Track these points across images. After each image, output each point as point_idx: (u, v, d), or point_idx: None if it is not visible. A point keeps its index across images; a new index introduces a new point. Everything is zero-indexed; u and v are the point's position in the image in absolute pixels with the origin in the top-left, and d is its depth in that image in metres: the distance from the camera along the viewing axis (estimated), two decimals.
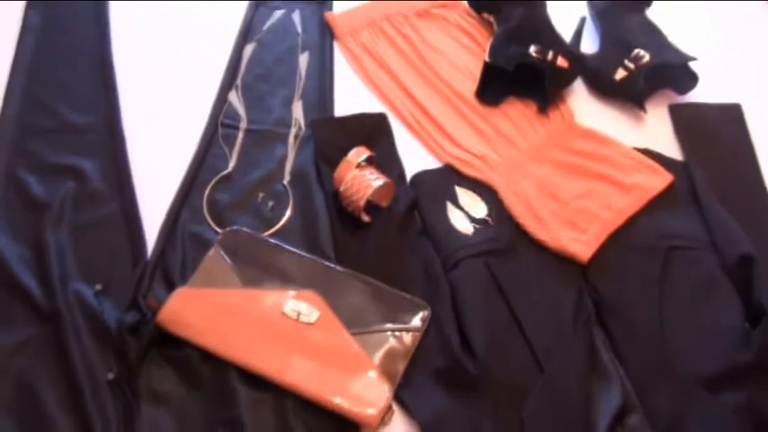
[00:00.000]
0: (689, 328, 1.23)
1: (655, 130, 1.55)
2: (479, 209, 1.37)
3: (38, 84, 1.57)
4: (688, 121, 1.56)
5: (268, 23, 1.74)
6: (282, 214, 1.38)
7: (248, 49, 1.67)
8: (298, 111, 1.55)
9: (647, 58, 1.55)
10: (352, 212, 1.33)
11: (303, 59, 1.66)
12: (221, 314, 1.21)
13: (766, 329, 1.18)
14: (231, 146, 1.48)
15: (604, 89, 1.61)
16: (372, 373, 1.14)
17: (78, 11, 1.74)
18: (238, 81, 1.61)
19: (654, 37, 1.63)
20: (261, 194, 1.41)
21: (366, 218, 1.34)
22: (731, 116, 1.58)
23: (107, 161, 1.44)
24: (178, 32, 1.72)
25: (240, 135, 1.50)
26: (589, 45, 1.71)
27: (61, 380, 1.14)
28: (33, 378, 1.14)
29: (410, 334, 1.20)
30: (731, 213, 1.36)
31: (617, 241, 1.33)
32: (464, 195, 1.40)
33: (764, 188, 1.45)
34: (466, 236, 1.32)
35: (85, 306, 1.21)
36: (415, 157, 1.48)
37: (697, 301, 1.26)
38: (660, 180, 1.41)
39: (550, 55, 1.54)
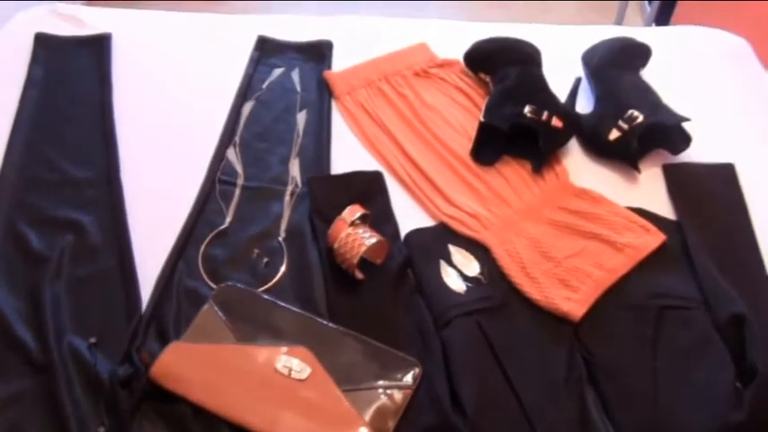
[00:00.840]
0: (681, 387, 1.22)
1: (649, 189, 1.57)
2: (472, 267, 1.38)
3: (39, 137, 1.60)
4: (681, 181, 1.57)
5: (267, 81, 1.77)
6: (277, 270, 1.38)
7: (247, 107, 1.70)
8: (294, 168, 1.57)
9: (640, 118, 1.56)
10: (346, 269, 1.34)
11: (301, 117, 1.68)
12: (214, 369, 1.21)
13: (757, 389, 1.18)
14: (228, 202, 1.50)
15: (599, 149, 1.62)
16: (363, 431, 1.14)
17: (81, 66, 1.78)
18: (237, 138, 1.63)
19: (648, 97, 1.64)
20: (256, 251, 1.41)
21: (360, 275, 1.35)
22: (724, 176, 1.59)
23: (105, 215, 1.46)
24: (178, 89, 1.75)
25: (237, 191, 1.52)
26: (584, 105, 1.73)
27: None
28: (25, 430, 1.14)
29: (401, 391, 1.20)
30: (724, 273, 1.36)
31: (609, 300, 1.33)
32: (457, 254, 1.40)
33: (757, 247, 1.45)
34: (458, 294, 1.33)
35: (79, 359, 1.22)
36: (410, 215, 1.49)
37: (689, 361, 1.25)
38: (653, 239, 1.42)
39: (545, 115, 1.56)
